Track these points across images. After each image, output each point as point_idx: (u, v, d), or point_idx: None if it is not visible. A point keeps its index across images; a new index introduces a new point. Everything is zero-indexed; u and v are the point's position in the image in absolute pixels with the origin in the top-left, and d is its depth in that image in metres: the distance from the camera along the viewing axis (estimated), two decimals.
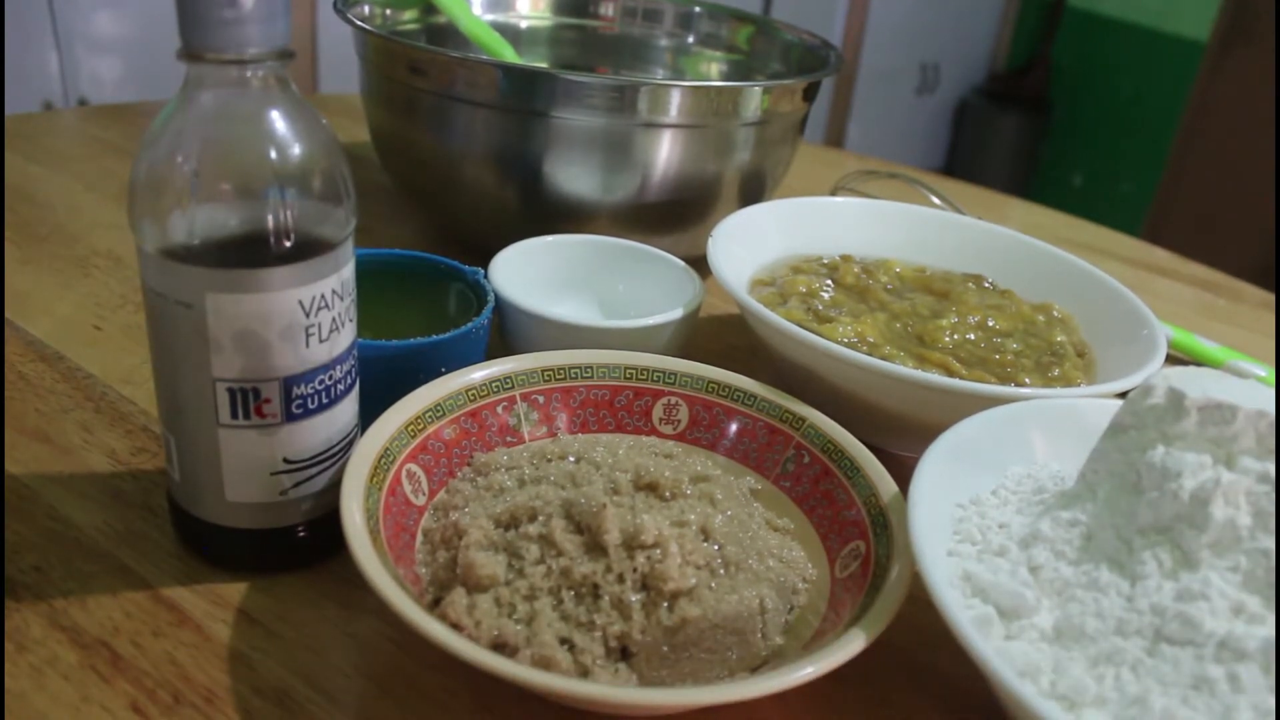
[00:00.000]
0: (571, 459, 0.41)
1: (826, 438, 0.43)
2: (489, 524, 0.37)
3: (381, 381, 0.42)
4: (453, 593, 0.35)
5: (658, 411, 0.46)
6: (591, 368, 0.46)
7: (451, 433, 0.42)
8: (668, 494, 0.38)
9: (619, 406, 0.46)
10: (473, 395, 0.43)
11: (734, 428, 0.46)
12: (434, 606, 0.35)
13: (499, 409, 0.44)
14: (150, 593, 0.38)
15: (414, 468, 0.40)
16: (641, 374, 0.46)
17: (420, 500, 0.40)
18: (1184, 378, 0.37)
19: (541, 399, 0.45)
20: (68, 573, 0.39)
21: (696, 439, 0.46)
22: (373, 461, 0.38)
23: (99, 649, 0.36)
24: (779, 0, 2.33)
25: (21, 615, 0.36)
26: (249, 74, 0.33)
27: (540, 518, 0.37)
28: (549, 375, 0.45)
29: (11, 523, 0.41)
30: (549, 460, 0.41)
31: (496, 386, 0.44)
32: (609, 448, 0.42)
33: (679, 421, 0.46)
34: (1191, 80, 2.51)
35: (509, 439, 0.44)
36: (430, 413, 0.42)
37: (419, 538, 0.39)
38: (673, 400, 0.46)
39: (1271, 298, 0.83)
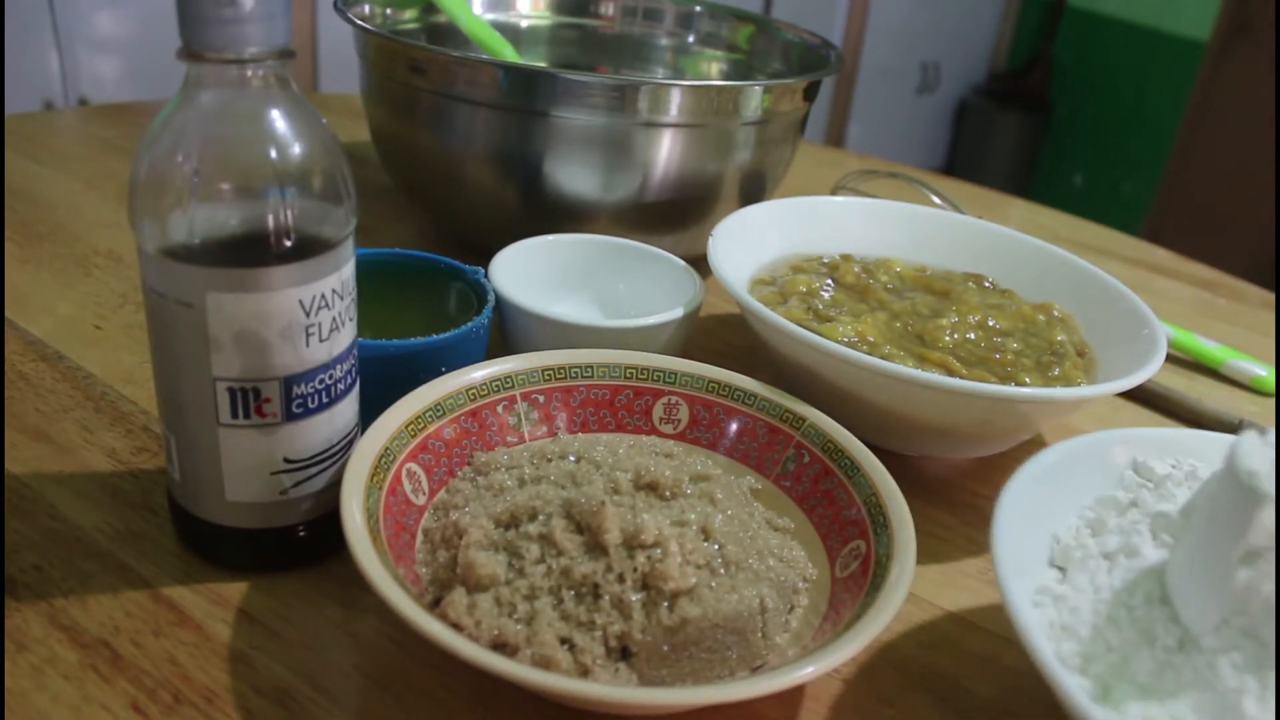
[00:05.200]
0: (572, 458, 0.41)
1: (827, 437, 0.43)
2: (489, 523, 0.37)
3: (381, 381, 0.42)
4: (453, 592, 0.35)
5: (658, 411, 0.46)
6: (592, 367, 0.46)
7: (452, 432, 0.42)
8: (668, 493, 0.38)
9: (619, 406, 0.46)
10: (473, 395, 0.43)
11: (734, 427, 0.46)
12: (434, 606, 0.35)
13: (499, 408, 0.44)
14: (150, 592, 0.38)
15: (414, 467, 0.40)
16: (641, 374, 0.46)
17: (420, 500, 0.40)
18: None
19: (542, 398, 0.45)
20: (68, 572, 0.39)
21: (697, 438, 0.46)
22: (373, 461, 0.38)
23: (99, 648, 0.36)
24: (779, 0, 2.33)
25: (21, 615, 0.36)
26: (249, 73, 0.32)
27: (540, 517, 0.37)
28: (549, 375, 0.45)
29: (11, 522, 0.41)
30: (549, 460, 0.41)
31: (497, 386, 0.44)
32: (609, 447, 0.42)
33: (679, 421, 0.46)
34: (1191, 80, 2.51)
35: (509, 438, 0.44)
36: (430, 412, 0.42)
37: (419, 537, 0.39)
38: (673, 400, 0.46)
39: (1271, 298, 0.83)
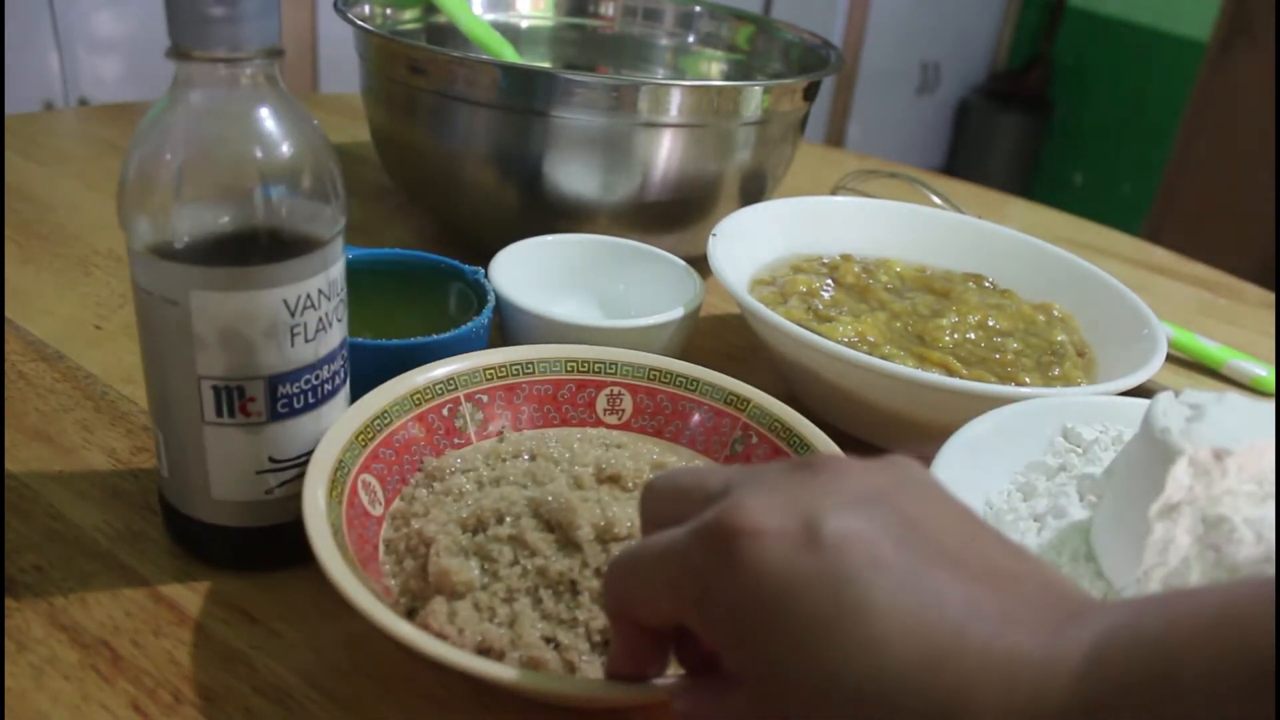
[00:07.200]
0: (526, 456, 0.41)
1: (773, 417, 0.43)
2: (456, 529, 0.37)
3: (381, 381, 0.42)
4: (432, 602, 0.34)
5: (601, 402, 0.46)
6: (532, 363, 0.46)
7: (401, 439, 0.41)
8: (631, 484, 0.39)
9: (562, 400, 0.46)
10: (418, 399, 0.42)
11: (679, 413, 0.46)
12: (409, 617, 0.35)
13: (444, 411, 0.43)
14: (150, 592, 0.38)
15: (369, 478, 0.39)
16: (582, 366, 0.46)
17: (377, 510, 0.39)
18: (1199, 427, 0.34)
19: (485, 398, 0.45)
20: (68, 572, 0.39)
21: (643, 427, 0.46)
22: (329, 475, 0.37)
23: (99, 648, 0.36)
24: (779, 0, 2.33)
25: (22, 615, 0.36)
26: (237, 72, 0.32)
27: (508, 519, 0.36)
28: (490, 374, 0.45)
29: (11, 522, 0.41)
30: (504, 460, 0.41)
31: (440, 389, 0.43)
32: (562, 443, 0.42)
33: (623, 411, 0.46)
34: (1191, 80, 2.51)
35: (456, 441, 0.43)
36: (378, 420, 0.41)
37: (381, 549, 0.38)
38: (616, 390, 0.46)
39: (1271, 297, 0.83)
